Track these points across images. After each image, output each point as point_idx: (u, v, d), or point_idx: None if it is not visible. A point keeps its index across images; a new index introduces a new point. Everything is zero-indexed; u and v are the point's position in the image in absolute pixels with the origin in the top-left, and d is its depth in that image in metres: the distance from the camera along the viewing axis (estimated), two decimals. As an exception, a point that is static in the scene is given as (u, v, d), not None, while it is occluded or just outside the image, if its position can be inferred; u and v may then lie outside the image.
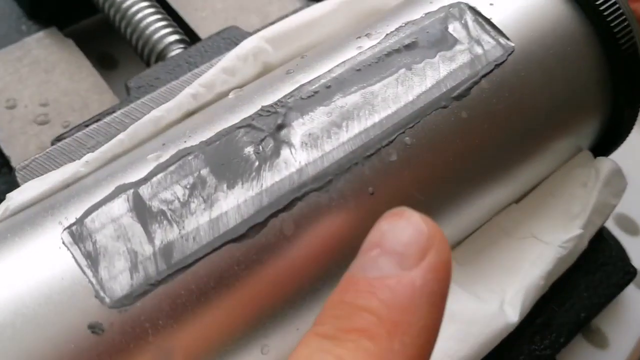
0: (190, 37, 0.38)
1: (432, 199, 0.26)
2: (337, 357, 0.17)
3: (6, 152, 0.34)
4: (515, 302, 0.27)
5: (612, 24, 0.29)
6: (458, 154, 0.26)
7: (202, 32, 0.39)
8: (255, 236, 0.23)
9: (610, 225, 0.41)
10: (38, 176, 0.27)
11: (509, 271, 0.28)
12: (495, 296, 0.27)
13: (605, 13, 0.29)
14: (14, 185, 0.27)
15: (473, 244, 0.29)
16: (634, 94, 0.31)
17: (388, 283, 0.18)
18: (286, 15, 0.33)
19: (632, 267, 0.34)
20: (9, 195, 0.25)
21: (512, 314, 0.27)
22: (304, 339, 0.18)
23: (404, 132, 0.25)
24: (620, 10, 0.29)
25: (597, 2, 0.29)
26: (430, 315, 0.18)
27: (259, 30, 0.32)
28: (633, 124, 0.32)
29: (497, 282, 0.28)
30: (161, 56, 0.35)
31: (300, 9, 0.34)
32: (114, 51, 0.43)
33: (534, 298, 0.28)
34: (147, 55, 0.36)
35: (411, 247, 0.19)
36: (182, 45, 0.35)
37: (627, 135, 0.33)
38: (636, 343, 0.39)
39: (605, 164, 0.31)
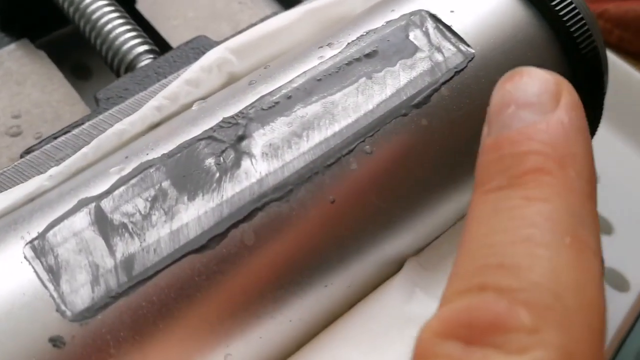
0: (162, 46, 0.38)
1: (393, 206, 0.26)
2: (525, 198, 0.18)
3: (-22, 164, 0.35)
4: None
5: (571, 29, 0.30)
6: (419, 161, 0.27)
7: (174, 41, 0.39)
8: (216, 247, 0.23)
9: (584, 224, 0.42)
10: (6, 189, 0.27)
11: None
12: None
13: (565, 18, 0.30)
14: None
15: (438, 249, 0.29)
16: (596, 96, 0.31)
17: (539, 127, 0.19)
18: (254, 24, 0.34)
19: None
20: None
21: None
22: (475, 201, 0.19)
23: (364, 141, 0.26)
24: (580, 15, 0.30)
25: (557, 8, 0.30)
26: (585, 145, 0.19)
27: (227, 39, 0.32)
28: (597, 126, 0.33)
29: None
30: (131, 66, 0.35)
31: (271, 17, 0.34)
32: (87, 61, 0.43)
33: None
34: (117, 66, 0.36)
35: (544, 95, 0.20)
36: (151, 56, 0.36)
37: (592, 136, 0.33)
38: (610, 341, 0.39)
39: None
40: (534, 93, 0.20)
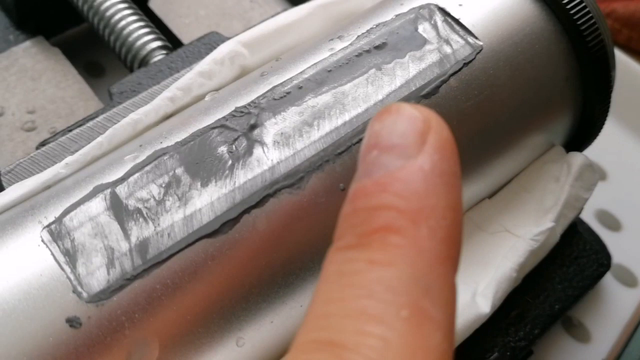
0: (173, 43, 0.39)
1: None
2: (368, 261, 0.17)
3: (-6, 158, 0.35)
4: (487, 293, 0.28)
5: (579, 22, 0.30)
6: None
7: (185, 38, 0.40)
8: (229, 232, 0.24)
9: (593, 221, 0.42)
10: (22, 179, 0.28)
11: (482, 264, 0.29)
12: (467, 288, 0.28)
13: (572, 11, 0.30)
14: (0, 190, 0.28)
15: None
16: (603, 90, 0.32)
17: (397, 176, 0.17)
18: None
19: (606, 259, 0.35)
20: (-8, 199, 0.26)
21: (484, 305, 0.28)
22: (327, 259, 0.18)
23: None
24: (587, 9, 0.30)
25: (564, 2, 0.30)
26: (449, 195, 0.18)
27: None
28: (604, 120, 0.33)
29: (470, 275, 0.29)
30: (144, 62, 0.36)
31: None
32: (100, 59, 0.44)
33: (506, 290, 0.29)
34: (131, 62, 0.36)
35: (409, 135, 0.18)
36: (164, 51, 0.36)
37: (599, 131, 0.34)
38: (618, 337, 0.39)
39: (576, 158, 0.32)
40: (399, 133, 0.18)
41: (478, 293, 0.28)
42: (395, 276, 0.16)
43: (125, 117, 0.29)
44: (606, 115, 0.33)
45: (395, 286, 0.16)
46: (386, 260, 0.16)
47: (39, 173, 0.28)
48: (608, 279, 0.40)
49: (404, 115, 0.18)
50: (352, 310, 0.16)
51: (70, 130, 0.30)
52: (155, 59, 0.36)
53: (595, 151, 0.35)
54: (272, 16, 0.35)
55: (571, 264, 0.33)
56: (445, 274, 0.17)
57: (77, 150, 0.28)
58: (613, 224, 0.43)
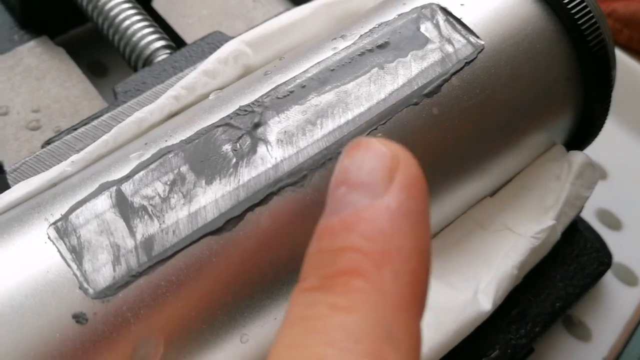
0: (177, 43, 0.39)
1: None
2: (330, 306, 0.16)
3: (-1, 157, 0.36)
4: (488, 291, 0.28)
5: (579, 22, 0.30)
6: (430, 149, 0.27)
7: (189, 38, 0.40)
8: (233, 229, 0.24)
9: (593, 221, 0.42)
10: (28, 177, 0.28)
11: (484, 262, 0.29)
12: (469, 285, 0.28)
13: (573, 11, 0.30)
14: (6, 188, 0.28)
15: (448, 236, 0.30)
16: (603, 90, 0.32)
17: (362, 215, 0.17)
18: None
19: (607, 258, 0.35)
20: (-1, 197, 0.27)
21: (486, 302, 0.28)
22: (291, 300, 0.17)
23: (376, 129, 0.26)
24: (588, 8, 0.30)
25: (565, 1, 0.30)
26: (415, 235, 0.17)
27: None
28: (605, 119, 0.33)
29: (471, 272, 0.29)
30: (148, 62, 0.36)
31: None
32: (104, 59, 0.44)
33: (507, 287, 0.29)
34: (135, 61, 0.37)
35: (376, 173, 0.17)
36: (168, 51, 0.36)
37: (599, 130, 0.34)
38: (619, 336, 0.40)
39: (577, 157, 0.32)
40: (366, 171, 0.18)
41: (479, 291, 0.28)
42: (357, 322, 0.16)
43: (129, 115, 0.29)
44: (607, 114, 0.33)
45: (356, 333, 0.16)
46: (348, 305, 0.16)
47: (44, 171, 0.28)
48: (609, 278, 0.40)
49: (373, 151, 0.18)
50: (311, 357, 0.15)
51: (76, 129, 0.31)
52: (159, 58, 0.36)
53: (596, 150, 0.35)
54: (275, 16, 0.35)
55: (572, 262, 0.33)
56: (408, 320, 0.16)
57: (82, 149, 0.29)
58: (614, 223, 0.44)
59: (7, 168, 0.32)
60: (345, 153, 0.18)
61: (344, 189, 0.18)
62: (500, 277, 0.29)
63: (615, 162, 0.46)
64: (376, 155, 0.18)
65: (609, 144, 0.46)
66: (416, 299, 0.17)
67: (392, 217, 0.17)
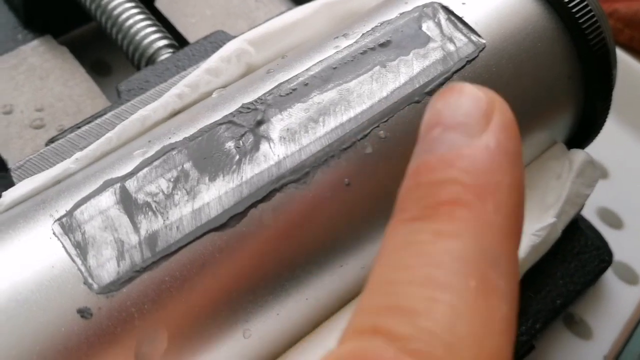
0: (180, 42, 0.39)
1: (407, 189, 0.27)
2: (435, 232, 0.17)
3: (3, 155, 0.36)
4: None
5: (580, 21, 0.30)
6: (431, 146, 0.27)
7: (191, 37, 0.40)
8: (236, 225, 0.24)
9: (595, 219, 0.42)
10: (32, 175, 0.28)
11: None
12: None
13: (574, 10, 0.30)
14: (10, 185, 0.29)
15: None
16: (604, 88, 0.32)
17: (462, 152, 0.18)
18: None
19: (608, 255, 0.35)
20: (3, 194, 0.27)
21: (487, 299, 0.28)
22: (389, 231, 0.18)
23: (378, 126, 0.27)
24: (589, 7, 0.31)
25: (566, 0, 0.30)
26: (513, 173, 0.18)
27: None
28: (605, 118, 0.33)
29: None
30: (151, 60, 0.36)
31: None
32: (107, 58, 0.44)
33: (508, 284, 0.29)
34: (138, 60, 0.37)
35: (473, 114, 0.18)
36: (171, 50, 0.37)
37: (600, 128, 0.34)
38: (619, 334, 0.40)
39: (578, 155, 0.32)
40: (463, 113, 0.18)
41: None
42: (463, 247, 0.16)
43: (133, 114, 0.30)
44: (607, 113, 0.33)
45: (463, 257, 0.16)
46: (453, 232, 0.17)
47: (48, 169, 0.28)
48: (610, 277, 0.40)
49: (468, 94, 0.19)
50: (420, 278, 0.16)
51: (79, 127, 0.31)
52: (162, 57, 0.36)
53: (597, 150, 0.35)
54: (278, 15, 0.35)
55: (572, 260, 0.34)
56: (509, 248, 0.17)
57: (86, 147, 0.29)
58: (615, 221, 0.44)
59: (11, 166, 0.32)
60: (438, 96, 0.19)
61: (439, 129, 0.18)
62: (502, 274, 0.29)
63: (617, 161, 0.46)
64: (472, 98, 0.19)
65: (611, 143, 0.46)
66: (515, 230, 0.18)
67: (492, 155, 0.18)
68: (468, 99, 0.19)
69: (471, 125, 0.18)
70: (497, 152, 0.18)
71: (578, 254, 0.34)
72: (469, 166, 0.17)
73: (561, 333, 0.38)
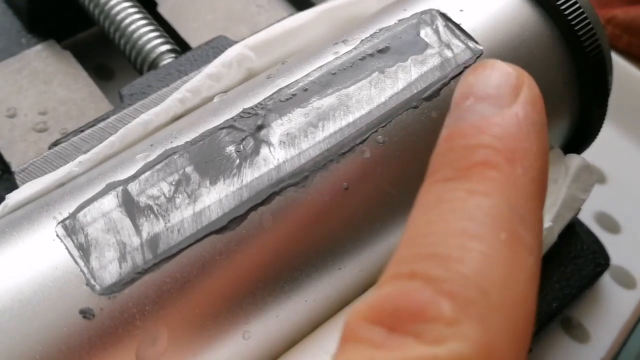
0: (182, 47, 0.40)
1: (404, 193, 0.27)
2: (468, 191, 0.18)
3: (7, 158, 0.36)
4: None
5: (576, 28, 0.31)
6: (428, 151, 0.28)
7: (194, 42, 0.41)
8: (236, 228, 0.25)
9: (592, 224, 0.42)
10: (36, 178, 0.29)
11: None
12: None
13: (570, 17, 0.31)
14: (14, 188, 0.29)
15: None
16: (600, 94, 0.32)
17: (493, 121, 0.19)
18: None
19: (604, 259, 0.35)
20: (8, 196, 0.27)
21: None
22: (423, 190, 0.19)
23: (376, 131, 0.27)
24: (585, 15, 0.31)
25: (562, 8, 0.31)
26: (539, 142, 0.19)
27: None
28: (601, 123, 0.34)
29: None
30: (153, 65, 0.37)
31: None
32: (110, 63, 0.45)
33: (504, 287, 0.29)
34: (140, 65, 0.37)
35: (503, 88, 0.20)
36: (173, 55, 0.37)
37: (596, 134, 0.34)
38: (616, 337, 0.40)
39: (574, 160, 0.32)
40: (494, 86, 0.20)
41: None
42: (494, 204, 0.18)
43: (135, 118, 0.30)
44: (603, 119, 0.34)
45: (494, 213, 0.18)
46: (485, 190, 0.18)
47: (51, 172, 0.28)
48: (607, 281, 0.41)
49: (499, 70, 0.21)
50: (454, 230, 0.18)
51: (82, 131, 0.31)
52: (165, 62, 0.37)
53: (596, 155, 0.36)
54: (278, 21, 0.35)
55: (569, 264, 0.34)
56: (536, 207, 0.19)
57: (88, 150, 0.29)
58: (612, 226, 0.44)
59: (14, 169, 0.33)
60: (470, 71, 0.21)
61: (472, 100, 0.20)
62: (498, 278, 0.29)
63: (615, 166, 0.47)
64: (502, 73, 0.20)
65: (609, 148, 0.46)
66: (541, 192, 0.19)
67: (520, 124, 0.19)
68: (499, 73, 0.20)
69: (501, 97, 0.20)
70: (525, 122, 0.19)
71: (574, 258, 0.34)
72: (499, 133, 0.19)
73: (558, 336, 0.39)
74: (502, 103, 0.20)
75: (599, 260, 0.35)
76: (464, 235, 0.17)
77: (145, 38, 0.37)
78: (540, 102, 0.20)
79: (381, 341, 0.16)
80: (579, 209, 0.33)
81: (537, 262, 0.18)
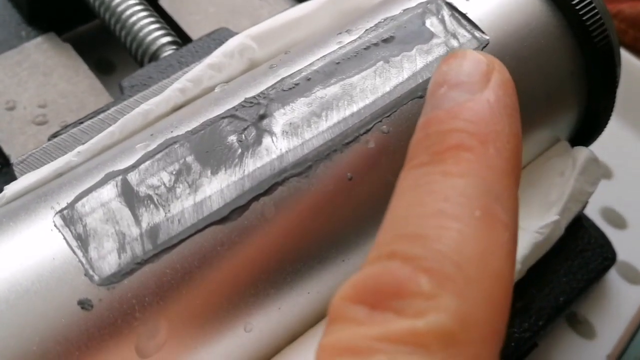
0: (183, 40, 0.39)
1: (409, 184, 0.27)
2: (443, 173, 0.19)
3: (6, 151, 0.36)
4: (492, 284, 0.28)
5: (584, 18, 0.30)
6: (434, 142, 0.27)
7: (195, 35, 0.40)
8: (238, 219, 0.24)
9: (598, 219, 0.42)
10: (35, 169, 0.28)
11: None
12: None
13: (578, 7, 0.30)
14: (13, 180, 0.29)
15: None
16: (608, 85, 0.32)
17: (466, 106, 0.20)
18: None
19: (611, 253, 0.35)
20: (5, 187, 0.27)
21: (489, 296, 0.28)
22: (401, 176, 0.20)
23: (381, 121, 0.26)
24: (593, 4, 0.31)
25: (570, -3, 0.30)
26: (511, 124, 0.20)
27: (248, 30, 0.33)
28: (609, 115, 0.33)
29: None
30: (154, 57, 0.36)
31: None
32: (111, 56, 0.44)
33: (511, 281, 0.29)
34: (141, 57, 0.37)
35: (475, 74, 0.21)
36: (174, 47, 0.37)
37: (604, 126, 0.34)
38: (622, 333, 0.40)
39: (581, 153, 0.32)
40: (466, 73, 0.21)
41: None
42: (469, 184, 0.19)
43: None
44: (611, 111, 0.33)
45: (469, 192, 0.18)
46: (459, 172, 0.19)
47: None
48: (613, 276, 0.40)
49: (470, 58, 0.21)
50: (431, 211, 0.18)
51: (82, 123, 0.31)
52: (165, 54, 0.36)
53: (602, 150, 0.35)
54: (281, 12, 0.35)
55: (576, 258, 0.34)
56: (510, 185, 0.19)
57: (88, 141, 0.29)
58: (618, 221, 0.44)
59: (13, 160, 0.32)
60: (443, 62, 0.22)
61: (445, 88, 0.21)
62: (504, 271, 0.29)
63: (621, 162, 0.46)
64: (473, 61, 0.21)
65: (615, 144, 0.46)
66: (515, 171, 0.20)
67: (492, 108, 0.20)
68: (470, 61, 0.21)
69: (473, 83, 0.21)
70: (497, 105, 0.20)
71: (581, 252, 0.34)
72: (472, 117, 0.20)
73: (564, 332, 0.38)
74: (474, 89, 0.20)
75: (606, 254, 0.34)
76: (440, 215, 0.18)
77: (146, 30, 0.37)
78: (511, 86, 0.21)
79: (364, 319, 0.17)
80: (586, 202, 0.33)
81: (512, 237, 0.19)
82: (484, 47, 0.29)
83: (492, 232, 0.18)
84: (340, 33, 0.29)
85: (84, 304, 0.22)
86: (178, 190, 0.24)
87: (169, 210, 0.24)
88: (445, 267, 0.17)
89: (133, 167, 0.25)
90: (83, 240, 0.23)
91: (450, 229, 0.18)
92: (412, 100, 0.27)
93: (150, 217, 0.24)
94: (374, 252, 0.18)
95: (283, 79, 0.27)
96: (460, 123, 0.20)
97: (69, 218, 0.23)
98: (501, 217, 0.18)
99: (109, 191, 0.24)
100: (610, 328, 0.39)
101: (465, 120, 0.20)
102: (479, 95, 0.20)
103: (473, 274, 0.17)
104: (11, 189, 0.26)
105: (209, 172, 0.25)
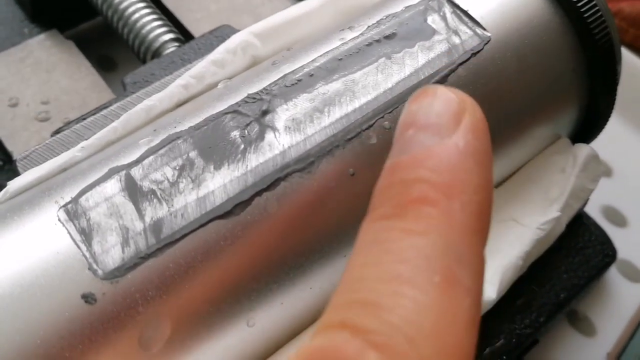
0: (185, 37, 0.39)
1: (411, 180, 0.27)
2: (403, 230, 0.17)
3: (9, 147, 0.36)
4: (493, 280, 0.28)
5: (585, 14, 0.30)
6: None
7: (197, 33, 0.40)
8: (241, 213, 0.24)
9: (599, 217, 0.42)
10: (38, 165, 0.28)
11: (489, 253, 0.29)
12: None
13: (579, 4, 0.30)
14: (16, 176, 0.29)
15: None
16: (609, 83, 0.32)
17: (432, 152, 0.18)
18: (276, 14, 0.35)
19: (612, 251, 0.35)
20: (9, 183, 0.27)
21: (490, 291, 0.28)
22: (362, 229, 0.19)
23: (383, 117, 0.27)
24: (594, 2, 0.31)
25: (571, -5, 0.31)
26: (480, 173, 0.18)
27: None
28: (610, 112, 0.33)
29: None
30: (157, 54, 0.37)
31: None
32: (113, 53, 0.45)
33: (512, 277, 0.29)
34: (144, 54, 0.37)
35: (444, 116, 0.19)
36: (176, 44, 0.37)
37: (605, 123, 0.34)
38: (623, 331, 0.40)
39: (582, 149, 0.32)
40: (435, 114, 0.19)
41: (485, 280, 0.28)
42: (429, 244, 0.17)
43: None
44: (612, 108, 0.33)
45: (428, 253, 0.17)
46: (420, 229, 0.17)
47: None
48: (613, 274, 0.40)
49: (441, 97, 0.19)
50: (386, 274, 0.17)
51: (85, 119, 0.31)
52: (168, 51, 0.36)
53: (602, 149, 0.35)
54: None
55: (577, 254, 0.34)
56: (475, 244, 0.18)
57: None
58: (619, 219, 0.44)
59: (16, 156, 0.32)
60: (413, 99, 0.20)
61: (413, 130, 0.19)
62: (505, 267, 0.29)
63: (622, 160, 0.46)
64: (444, 100, 0.19)
65: (615, 142, 0.46)
66: (482, 228, 0.18)
67: (460, 155, 0.18)
68: (440, 100, 0.19)
69: (442, 126, 0.19)
70: (465, 151, 0.18)
71: (582, 249, 0.34)
72: (437, 165, 0.18)
73: (565, 330, 0.38)
74: (443, 132, 0.19)
75: (606, 251, 0.34)
76: (396, 280, 0.17)
77: (148, 27, 0.37)
78: (482, 129, 0.19)
79: None
80: (587, 199, 0.33)
81: (475, 303, 0.17)
82: (486, 43, 0.29)
83: (452, 299, 0.17)
84: (342, 30, 0.29)
85: (88, 298, 0.22)
86: (181, 185, 0.24)
87: (172, 205, 0.24)
88: (397, 342, 0.16)
89: (137, 162, 0.25)
90: (87, 235, 0.23)
91: (406, 296, 0.16)
92: (414, 97, 0.27)
93: (153, 211, 0.24)
94: (326, 317, 0.17)
95: (285, 75, 0.27)
96: (425, 173, 0.18)
97: (73, 212, 0.23)
98: (463, 281, 0.17)
99: (112, 186, 0.24)
100: (610, 326, 0.39)
101: (429, 168, 0.18)
102: (448, 140, 0.19)
103: (428, 351, 0.16)
104: (15, 184, 0.26)
105: (212, 168, 0.25)
